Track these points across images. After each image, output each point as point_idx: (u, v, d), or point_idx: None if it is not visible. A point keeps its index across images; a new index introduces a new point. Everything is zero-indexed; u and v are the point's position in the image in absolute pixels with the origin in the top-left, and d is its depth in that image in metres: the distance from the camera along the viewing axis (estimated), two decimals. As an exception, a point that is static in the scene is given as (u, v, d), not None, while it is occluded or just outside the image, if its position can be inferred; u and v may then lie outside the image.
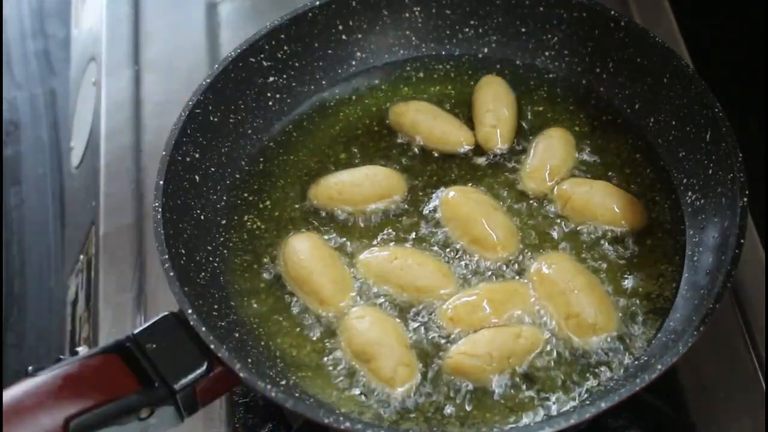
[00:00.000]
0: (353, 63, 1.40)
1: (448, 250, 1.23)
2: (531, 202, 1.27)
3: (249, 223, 1.27)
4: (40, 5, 2.02)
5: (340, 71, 1.40)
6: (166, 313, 1.11)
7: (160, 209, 1.17)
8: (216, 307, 1.17)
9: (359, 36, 1.39)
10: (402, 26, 1.40)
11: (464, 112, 1.36)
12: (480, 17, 1.39)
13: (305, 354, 1.16)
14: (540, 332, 1.15)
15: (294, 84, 1.37)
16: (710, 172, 1.22)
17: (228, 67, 1.30)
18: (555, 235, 1.24)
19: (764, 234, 1.32)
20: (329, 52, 1.38)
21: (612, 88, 1.35)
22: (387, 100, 1.38)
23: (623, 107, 1.34)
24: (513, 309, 1.17)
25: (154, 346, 1.08)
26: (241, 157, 1.32)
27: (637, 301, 1.18)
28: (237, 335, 1.16)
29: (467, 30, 1.40)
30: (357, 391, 1.13)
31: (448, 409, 1.11)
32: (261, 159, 1.33)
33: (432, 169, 1.31)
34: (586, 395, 1.12)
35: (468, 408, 1.11)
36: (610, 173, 1.29)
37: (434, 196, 1.28)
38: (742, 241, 1.11)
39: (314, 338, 1.17)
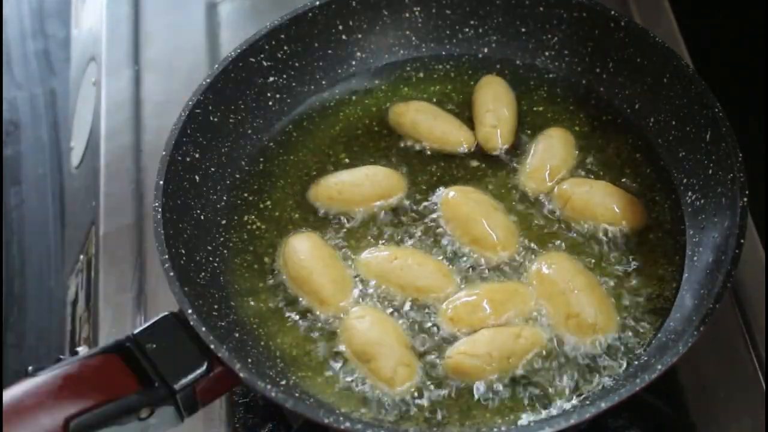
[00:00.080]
0: (353, 63, 1.40)
1: (448, 250, 1.23)
2: (531, 202, 1.27)
3: (249, 223, 1.27)
4: (40, 5, 2.02)
5: (340, 71, 1.40)
6: (166, 313, 1.11)
7: (160, 209, 1.17)
8: (216, 307, 1.17)
9: (359, 36, 1.39)
10: (402, 26, 1.40)
11: (464, 112, 1.36)
12: (480, 17, 1.39)
13: (305, 354, 1.16)
14: (540, 332, 1.15)
15: (294, 84, 1.37)
16: (710, 172, 1.22)
17: (228, 67, 1.30)
18: (555, 235, 1.24)
19: (764, 234, 1.32)
20: (329, 52, 1.38)
21: (612, 88, 1.35)
22: (387, 100, 1.38)
23: (623, 107, 1.34)
24: (513, 309, 1.17)
25: (154, 346, 1.08)
26: (241, 157, 1.32)
27: (637, 301, 1.18)
28: (237, 335, 1.16)
29: (467, 30, 1.40)
30: (357, 391, 1.13)
31: (448, 409, 1.11)
32: (261, 159, 1.33)
33: (432, 169, 1.31)
34: (586, 395, 1.12)
35: (468, 408, 1.11)
36: (610, 173, 1.29)
37: (434, 196, 1.28)
38: (742, 241, 1.11)
39: (314, 338, 1.17)
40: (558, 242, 1.23)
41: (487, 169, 1.30)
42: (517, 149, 1.32)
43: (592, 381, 1.13)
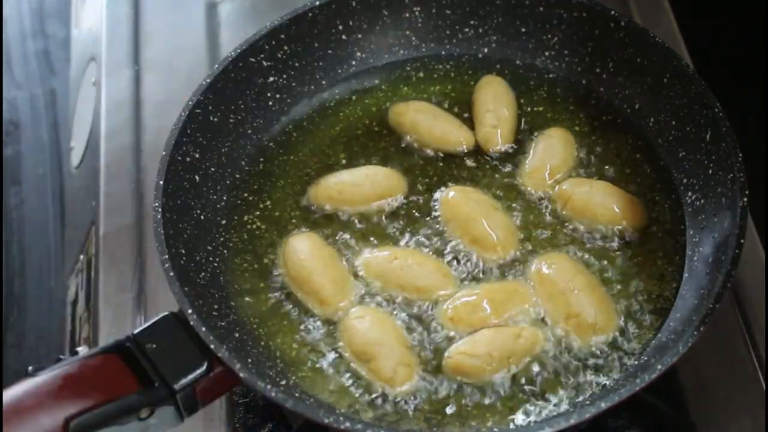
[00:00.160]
0: (353, 63, 1.40)
1: (448, 249, 1.23)
2: (531, 202, 1.27)
3: (249, 223, 1.27)
4: (40, 5, 2.02)
5: (340, 71, 1.40)
6: (166, 313, 1.11)
7: (160, 209, 1.17)
8: (216, 307, 1.17)
9: (359, 36, 1.39)
10: (402, 26, 1.40)
11: (464, 112, 1.36)
12: (480, 17, 1.39)
13: (305, 354, 1.16)
14: (540, 332, 1.15)
15: (294, 84, 1.37)
16: (710, 172, 1.22)
17: (228, 67, 1.30)
18: (555, 235, 1.24)
19: (764, 234, 1.32)
20: (329, 52, 1.38)
21: (612, 88, 1.35)
22: (387, 100, 1.38)
23: (623, 107, 1.34)
24: (513, 309, 1.17)
25: (154, 346, 1.08)
26: (241, 157, 1.32)
27: (637, 301, 1.18)
28: (237, 335, 1.16)
29: (467, 30, 1.40)
30: (357, 391, 1.13)
31: (448, 409, 1.11)
32: (261, 159, 1.33)
33: (432, 169, 1.31)
34: (586, 395, 1.12)
35: (468, 408, 1.11)
36: (610, 173, 1.29)
37: (434, 196, 1.28)
38: (742, 241, 1.12)
39: (314, 338, 1.17)
40: (558, 242, 1.23)
41: (487, 169, 1.30)
42: (517, 149, 1.32)
43: (592, 381, 1.13)
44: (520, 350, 1.14)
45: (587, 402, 1.10)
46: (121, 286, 1.39)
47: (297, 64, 1.36)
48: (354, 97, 1.39)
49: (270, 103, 1.35)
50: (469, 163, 1.31)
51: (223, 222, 1.27)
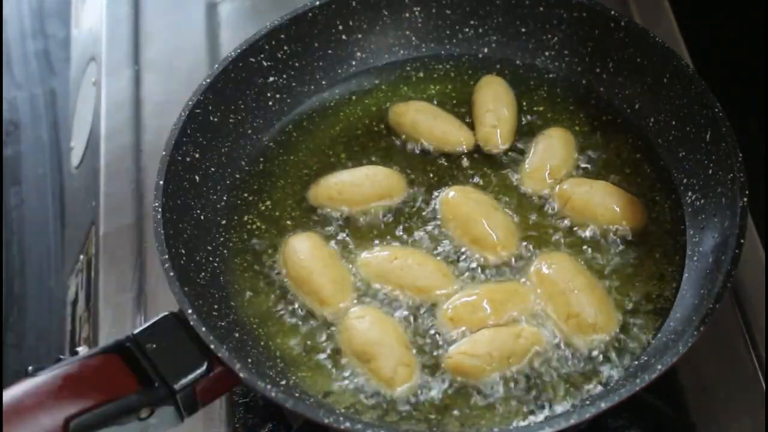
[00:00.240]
0: (353, 63, 1.40)
1: (448, 250, 1.23)
2: (531, 202, 1.27)
3: (249, 223, 1.27)
4: (40, 5, 2.02)
5: (340, 71, 1.40)
6: (166, 313, 1.11)
7: (160, 209, 1.17)
8: (216, 307, 1.17)
9: (359, 36, 1.39)
10: (402, 26, 1.40)
11: (464, 112, 1.36)
12: (480, 17, 1.39)
13: (305, 354, 1.16)
14: (540, 332, 1.15)
15: (294, 84, 1.37)
16: (710, 172, 1.22)
17: (228, 67, 1.30)
18: (555, 235, 1.24)
19: (764, 234, 1.32)
20: (329, 52, 1.38)
21: (612, 88, 1.35)
22: (387, 100, 1.38)
23: (623, 107, 1.34)
24: (513, 309, 1.17)
25: (154, 346, 1.08)
26: (241, 157, 1.32)
27: (637, 301, 1.18)
28: (237, 335, 1.16)
29: (467, 30, 1.40)
30: (357, 391, 1.13)
31: (448, 409, 1.11)
32: (261, 159, 1.33)
33: (432, 169, 1.31)
34: (586, 395, 1.12)
35: (468, 408, 1.11)
36: (610, 173, 1.29)
37: (434, 196, 1.28)
38: (742, 241, 1.12)
39: (314, 338, 1.17)
40: (558, 242, 1.23)
41: (487, 169, 1.30)
42: (517, 149, 1.32)
43: (591, 381, 1.13)
44: (520, 350, 1.14)
45: (587, 402, 1.10)
46: (121, 286, 1.39)
47: (297, 64, 1.36)
48: (354, 97, 1.38)
49: (270, 103, 1.35)
50: (469, 163, 1.31)
51: (223, 222, 1.27)
